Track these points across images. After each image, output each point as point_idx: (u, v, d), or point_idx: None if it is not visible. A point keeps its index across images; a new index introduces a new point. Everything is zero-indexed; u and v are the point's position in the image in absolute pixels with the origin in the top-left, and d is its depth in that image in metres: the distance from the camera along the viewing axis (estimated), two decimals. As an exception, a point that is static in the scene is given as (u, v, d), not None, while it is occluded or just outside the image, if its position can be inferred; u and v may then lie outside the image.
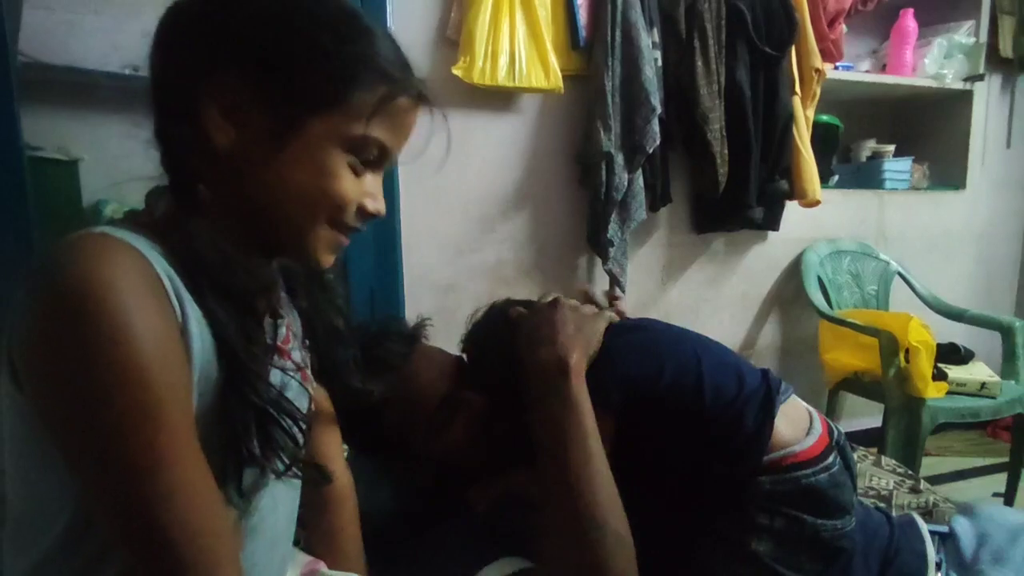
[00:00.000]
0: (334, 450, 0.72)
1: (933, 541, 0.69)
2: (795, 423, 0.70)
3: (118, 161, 1.46)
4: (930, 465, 2.33)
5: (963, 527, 0.70)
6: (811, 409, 0.76)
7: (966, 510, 0.75)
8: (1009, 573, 0.61)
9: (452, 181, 1.81)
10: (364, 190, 0.50)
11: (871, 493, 1.12)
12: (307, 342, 0.60)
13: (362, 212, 0.50)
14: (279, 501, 0.53)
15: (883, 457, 1.25)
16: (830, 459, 0.67)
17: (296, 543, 0.66)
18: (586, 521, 0.59)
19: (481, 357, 0.83)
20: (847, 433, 2.27)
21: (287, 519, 0.56)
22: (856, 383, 2.02)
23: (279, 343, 0.52)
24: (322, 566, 0.63)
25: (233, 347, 0.44)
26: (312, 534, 0.68)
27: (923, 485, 1.14)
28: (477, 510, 0.77)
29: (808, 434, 0.69)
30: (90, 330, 0.36)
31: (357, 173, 0.49)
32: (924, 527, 0.70)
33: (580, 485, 0.60)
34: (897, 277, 2.30)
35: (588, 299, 0.82)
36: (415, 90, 0.51)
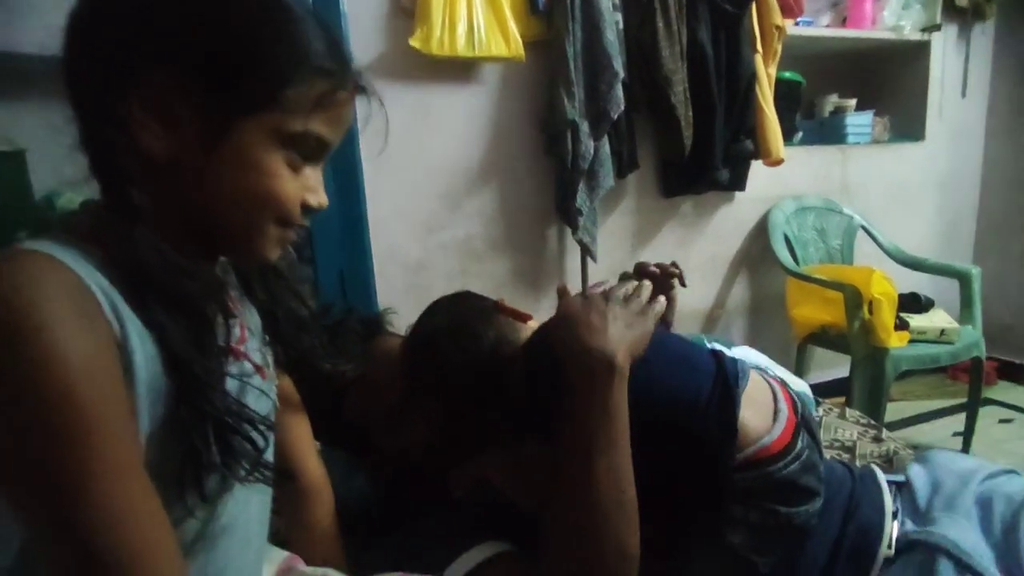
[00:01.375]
0: (305, 442, 0.72)
1: (891, 491, 0.72)
2: (761, 409, 0.69)
3: (70, 151, 1.41)
4: (895, 410, 2.43)
5: (918, 475, 0.73)
6: (772, 383, 0.74)
7: (921, 458, 0.78)
8: (959, 518, 0.64)
9: (416, 157, 1.78)
10: (305, 185, 0.49)
11: (836, 445, 1.16)
12: (267, 336, 0.59)
13: (305, 207, 0.49)
14: (249, 501, 0.53)
15: (847, 409, 1.30)
16: (800, 444, 0.67)
17: (276, 533, 0.66)
18: (605, 543, 0.58)
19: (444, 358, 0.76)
20: (816, 385, 2.34)
21: (259, 517, 0.56)
22: (823, 336, 2.08)
23: (233, 344, 0.51)
24: (299, 563, 0.63)
25: (182, 358, 0.42)
26: (288, 529, 0.68)
27: (885, 434, 1.19)
28: (455, 495, 0.78)
29: (776, 419, 0.68)
30: (12, 355, 0.35)
31: (296, 169, 0.47)
32: (883, 478, 0.73)
33: (601, 503, 0.59)
34: (861, 230, 2.34)
35: (642, 272, 0.79)
36: (352, 83, 0.49)
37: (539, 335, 0.75)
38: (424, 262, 1.85)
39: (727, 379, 0.68)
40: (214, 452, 0.44)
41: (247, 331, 0.55)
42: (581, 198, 1.85)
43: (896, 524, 0.67)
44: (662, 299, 0.69)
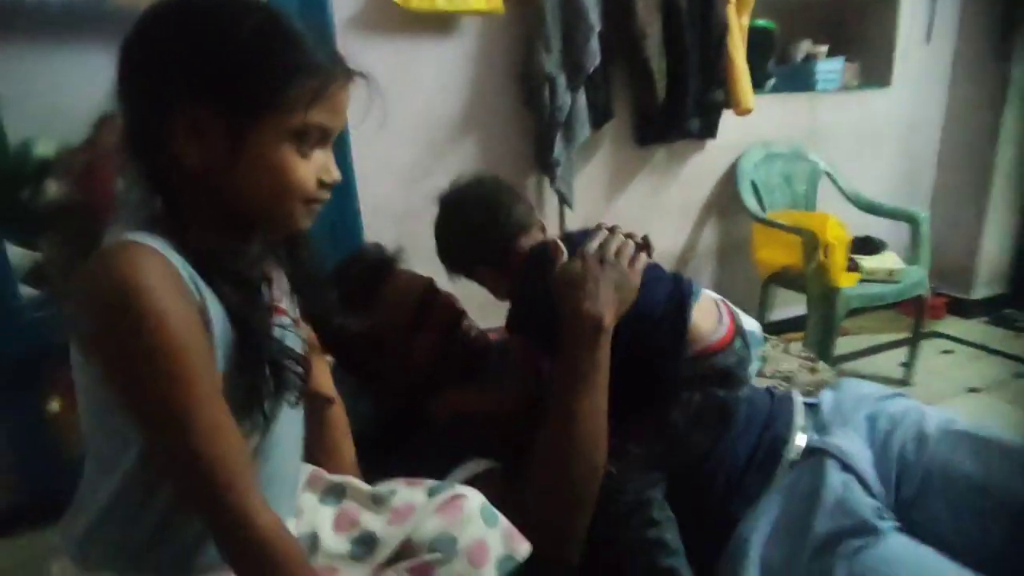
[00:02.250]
0: (326, 378, 0.86)
1: (804, 411, 0.88)
2: (709, 317, 0.86)
3: (45, 95, 1.39)
4: (850, 343, 2.63)
5: (827, 399, 0.89)
6: (717, 299, 0.91)
7: (834, 385, 0.94)
8: (849, 431, 0.80)
9: (398, 110, 1.83)
10: (318, 167, 0.58)
11: (777, 375, 1.32)
12: (293, 293, 0.71)
13: (321, 184, 0.59)
14: (290, 425, 0.66)
15: (791, 344, 1.46)
16: (737, 344, 0.84)
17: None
18: (581, 465, 0.73)
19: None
20: (778, 322, 2.52)
21: (296, 438, 0.70)
22: (784, 277, 2.24)
23: (275, 303, 0.63)
24: (324, 473, 0.77)
25: (242, 317, 0.55)
26: (314, 449, 0.82)
27: (820, 366, 1.36)
28: (439, 419, 0.92)
29: (720, 323, 0.85)
30: (135, 321, 0.48)
31: (306, 156, 0.57)
32: (798, 400, 0.88)
33: (583, 434, 0.73)
34: (824, 176, 2.46)
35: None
36: (344, 76, 0.58)
37: (538, 259, 0.86)
38: (410, 212, 1.94)
39: (682, 292, 0.84)
40: (270, 383, 0.57)
41: (281, 291, 0.67)
42: (558, 149, 1.94)
43: (803, 436, 0.83)
44: (644, 257, 0.81)
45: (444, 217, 0.97)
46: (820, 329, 2.07)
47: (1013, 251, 2.89)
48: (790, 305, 2.56)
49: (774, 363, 1.37)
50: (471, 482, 0.79)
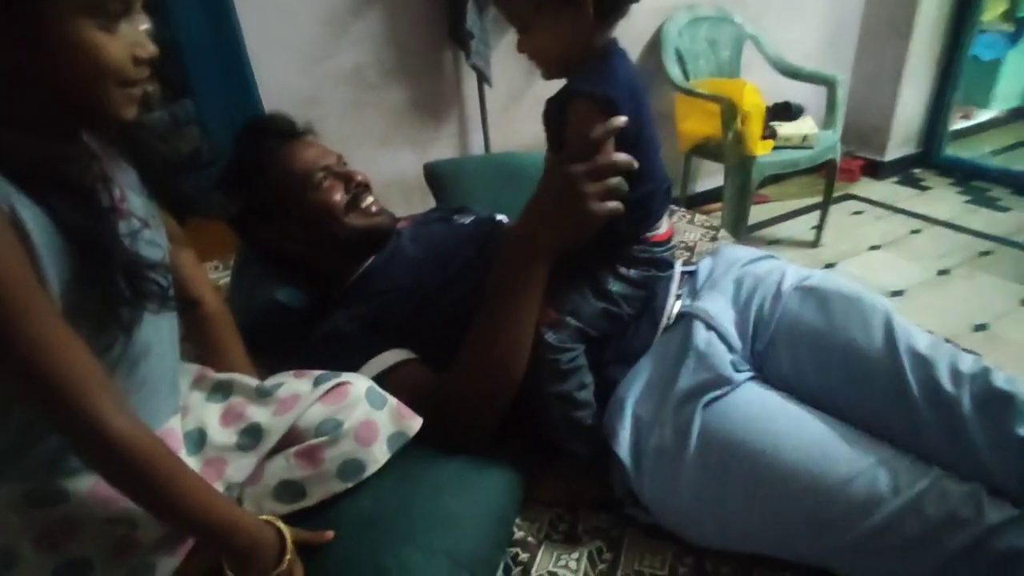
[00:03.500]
0: (197, 273, 0.84)
1: (682, 277, 0.94)
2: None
3: None
4: (767, 210, 2.74)
5: (704, 265, 0.95)
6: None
7: (713, 252, 0.99)
8: (716, 294, 0.86)
9: (289, -21, 1.66)
10: (129, 42, 0.53)
11: (681, 245, 1.38)
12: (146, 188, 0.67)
13: (138, 61, 0.54)
14: (159, 327, 0.65)
15: (696, 215, 1.51)
16: (673, 242, 0.88)
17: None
18: (498, 375, 0.77)
19: None
20: (700, 193, 2.58)
21: (170, 339, 0.70)
22: (705, 148, 2.26)
23: (117, 205, 0.60)
24: (210, 371, 0.78)
25: (75, 228, 0.52)
26: (200, 350, 0.83)
27: (722, 234, 1.42)
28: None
29: (668, 217, 0.89)
30: None
31: (112, 30, 0.51)
32: (677, 270, 0.93)
33: (504, 344, 0.76)
34: (749, 41, 2.42)
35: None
36: None
37: (604, 61, 0.76)
38: (315, 96, 1.83)
39: (668, 185, 0.86)
40: (124, 292, 0.55)
41: (126, 190, 0.63)
42: (471, 20, 1.82)
43: (678, 303, 0.89)
44: (618, 205, 0.76)
45: None
46: (736, 197, 2.13)
47: (926, 111, 2.98)
48: (711, 176, 2.62)
49: (679, 234, 1.42)
50: (391, 371, 0.83)
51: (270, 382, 0.72)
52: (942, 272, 2.20)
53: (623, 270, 0.83)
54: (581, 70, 0.75)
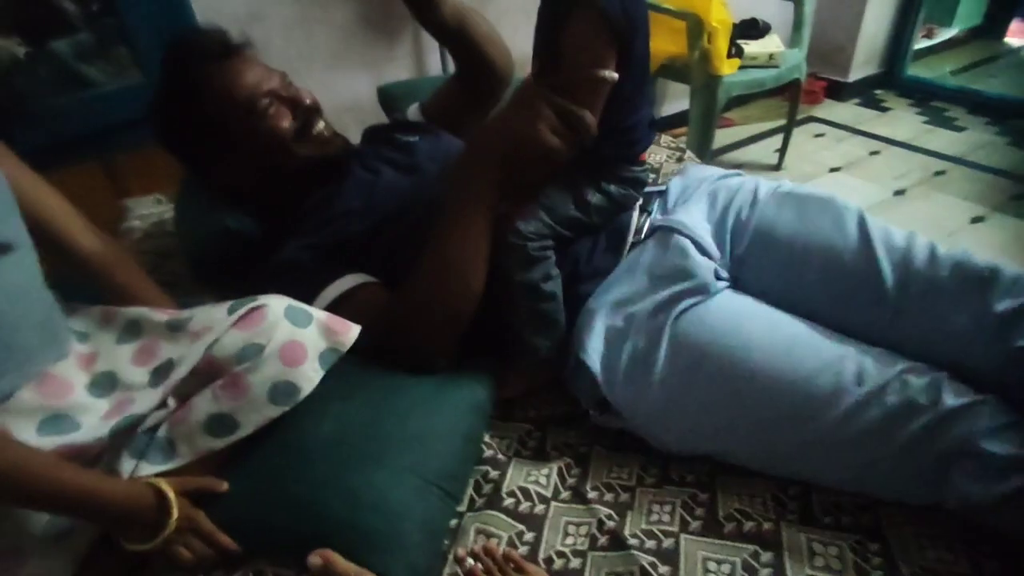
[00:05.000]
0: (65, 219, 0.76)
1: (652, 196, 0.92)
2: None
3: None
4: (731, 134, 2.72)
5: (674, 184, 0.94)
6: None
7: (681, 171, 0.98)
8: (690, 207, 0.85)
9: None
10: None
11: (647, 167, 1.36)
12: None
13: None
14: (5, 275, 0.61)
15: (662, 136, 1.48)
16: (648, 162, 0.88)
17: None
18: (454, 282, 0.76)
19: None
20: (667, 116, 2.53)
21: (21, 285, 0.64)
22: (671, 68, 2.19)
23: None
24: (118, 310, 0.73)
25: None
26: (108, 298, 0.77)
27: (687, 155, 1.40)
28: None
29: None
30: None
31: None
32: (645, 189, 0.92)
33: (459, 254, 0.75)
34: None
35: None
36: None
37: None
38: (256, 12, 1.68)
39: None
40: None
41: None
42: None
43: (646, 217, 0.88)
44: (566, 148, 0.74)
45: None
46: (701, 119, 2.10)
47: (890, 30, 2.95)
48: (678, 99, 2.57)
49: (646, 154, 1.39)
50: (348, 295, 0.81)
51: (184, 314, 0.69)
52: (898, 192, 2.24)
53: (605, 185, 0.83)
54: None
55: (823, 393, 0.67)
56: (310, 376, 0.64)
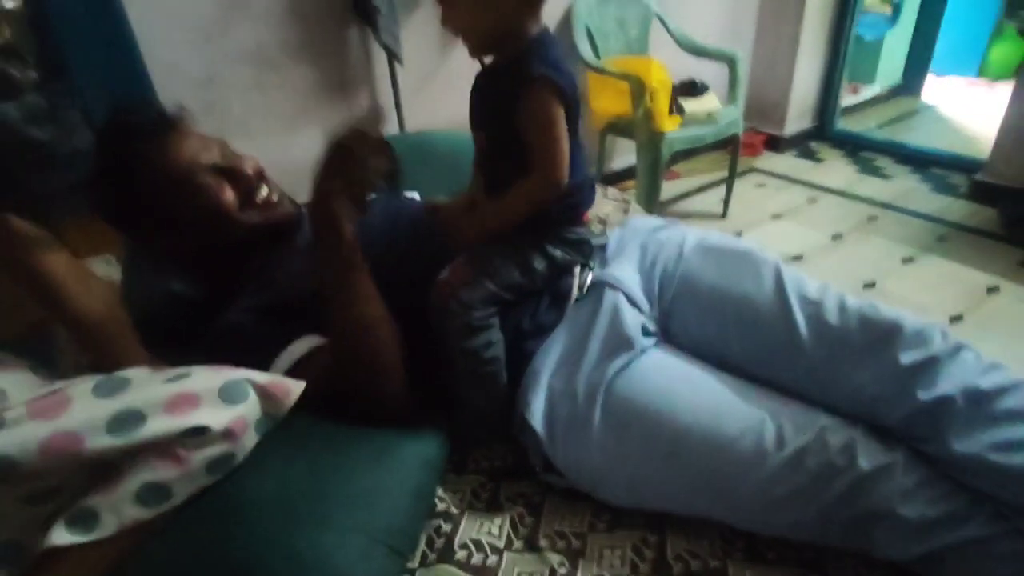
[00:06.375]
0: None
1: (596, 250, 0.96)
2: None
3: None
4: (678, 185, 2.85)
5: (613, 237, 0.99)
6: None
7: (623, 224, 1.03)
8: (623, 260, 0.90)
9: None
10: None
11: (597, 219, 1.42)
12: None
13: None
14: None
15: (608, 188, 1.55)
16: (592, 225, 0.89)
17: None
18: (353, 333, 0.76)
19: None
20: (616, 171, 2.64)
21: None
22: (617, 125, 2.31)
23: None
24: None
25: None
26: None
27: (632, 206, 1.47)
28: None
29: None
30: None
31: None
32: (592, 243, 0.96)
33: (359, 313, 0.75)
34: (656, 19, 2.48)
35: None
36: None
37: (537, 50, 0.76)
38: (213, 76, 1.72)
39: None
40: None
41: None
42: (377, -5, 1.76)
43: (587, 272, 0.92)
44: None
45: None
46: (648, 173, 2.20)
47: (819, 88, 3.18)
48: (626, 154, 2.69)
49: (594, 207, 1.46)
50: (302, 362, 0.80)
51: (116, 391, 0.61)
52: (836, 236, 2.37)
53: (551, 249, 0.85)
54: (528, 52, 0.75)
55: (746, 457, 0.69)
56: (245, 445, 0.63)
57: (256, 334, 0.85)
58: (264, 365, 0.78)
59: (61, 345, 1.01)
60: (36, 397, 0.58)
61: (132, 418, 0.58)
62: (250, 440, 0.63)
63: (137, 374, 0.63)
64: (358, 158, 0.74)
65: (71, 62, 1.50)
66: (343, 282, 0.77)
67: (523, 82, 0.74)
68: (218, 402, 0.61)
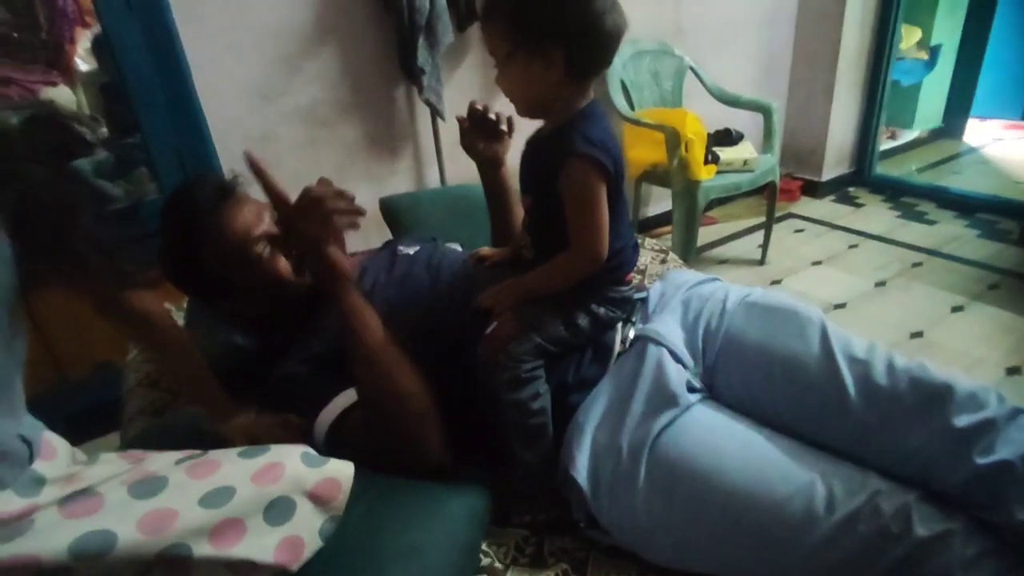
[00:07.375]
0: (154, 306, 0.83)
1: (637, 304, 0.97)
2: None
3: None
4: (715, 231, 2.85)
5: (655, 290, 0.99)
6: None
7: (663, 276, 1.04)
8: (666, 315, 0.91)
9: (238, 18, 1.67)
10: None
11: (635, 269, 1.43)
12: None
13: None
14: None
15: (647, 239, 1.57)
16: (635, 280, 0.92)
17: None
18: (382, 388, 0.77)
19: None
20: (651, 217, 2.66)
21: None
22: (653, 174, 2.35)
23: None
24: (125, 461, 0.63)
25: None
26: (174, 384, 0.79)
27: (671, 256, 1.48)
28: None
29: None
30: None
31: None
32: (632, 296, 0.97)
33: (376, 374, 0.76)
34: (690, 71, 2.54)
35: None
36: None
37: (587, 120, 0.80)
38: (268, 133, 1.83)
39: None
40: None
41: None
42: (422, 55, 1.86)
43: (630, 327, 0.93)
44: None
45: None
46: (684, 221, 2.22)
47: (856, 133, 3.18)
48: (660, 201, 2.72)
49: (632, 258, 1.47)
50: (347, 413, 0.81)
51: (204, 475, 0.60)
52: (879, 284, 2.33)
53: (594, 307, 0.87)
54: (572, 126, 0.78)
55: (796, 521, 0.67)
56: (303, 558, 0.61)
57: (309, 385, 0.88)
58: (309, 416, 0.82)
59: (130, 387, 1.07)
60: (67, 496, 0.55)
61: (176, 545, 0.54)
62: (311, 550, 0.62)
63: (175, 476, 0.59)
64: (330, 205, 0.77)
65: (140, 121, 1.62)
66: (362, 331, 0.79)
67: (565, 155, 0.77)
68: (264, 527, 0.59)
